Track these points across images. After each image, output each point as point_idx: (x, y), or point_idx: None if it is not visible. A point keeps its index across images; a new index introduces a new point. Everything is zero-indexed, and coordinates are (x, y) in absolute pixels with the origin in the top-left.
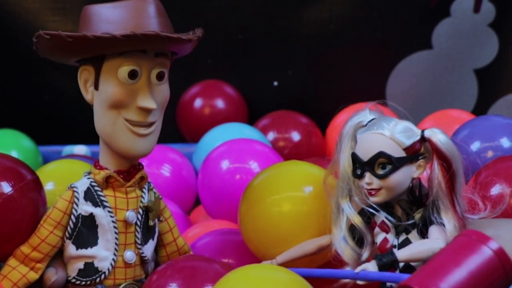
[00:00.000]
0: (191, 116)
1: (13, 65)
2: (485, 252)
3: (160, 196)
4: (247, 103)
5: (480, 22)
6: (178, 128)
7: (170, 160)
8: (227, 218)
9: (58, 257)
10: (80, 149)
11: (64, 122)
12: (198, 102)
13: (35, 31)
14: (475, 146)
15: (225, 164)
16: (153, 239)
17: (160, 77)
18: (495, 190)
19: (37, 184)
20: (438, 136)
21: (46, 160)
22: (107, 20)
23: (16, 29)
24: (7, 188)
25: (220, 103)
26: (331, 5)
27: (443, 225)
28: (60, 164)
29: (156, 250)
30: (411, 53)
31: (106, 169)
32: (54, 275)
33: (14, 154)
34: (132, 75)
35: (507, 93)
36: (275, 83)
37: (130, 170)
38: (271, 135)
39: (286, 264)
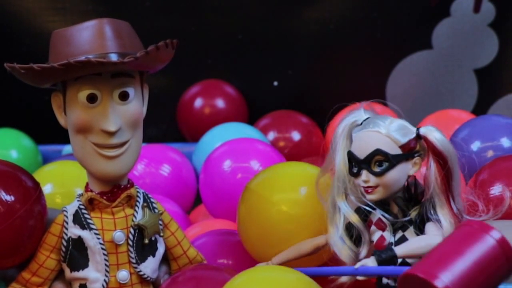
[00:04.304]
0: (191, 115)
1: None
2: (488, 241)
3: (161, 211)
4: (247, 103)
5: (480, 22)
6: (178, 127)
7: (170, 159)
8: (228, 217)
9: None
10: None
11: None
12: (198, 102)
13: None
14: (475, 146)
15: (226, 164)
16: (153, 256)
17: (123, 97)
18: (495, 191)
19: (41, 198)
20: (433, 134)
21: (46, 159)
22: (71, 43)
23: (17, 29)
24: (17, 207)
25: (220, 103)
26: (331, 5)
27: (439, 221)
28: (58, 166)
29: (168, 263)
30: (411, 53)
31: (91, 191)
32: None
33: (13, 153)
34: (91, 98)
35: (507, 93)
36: (275, 83)
37: (113, 190)
38: (271, 135)
39: (283, 265)
